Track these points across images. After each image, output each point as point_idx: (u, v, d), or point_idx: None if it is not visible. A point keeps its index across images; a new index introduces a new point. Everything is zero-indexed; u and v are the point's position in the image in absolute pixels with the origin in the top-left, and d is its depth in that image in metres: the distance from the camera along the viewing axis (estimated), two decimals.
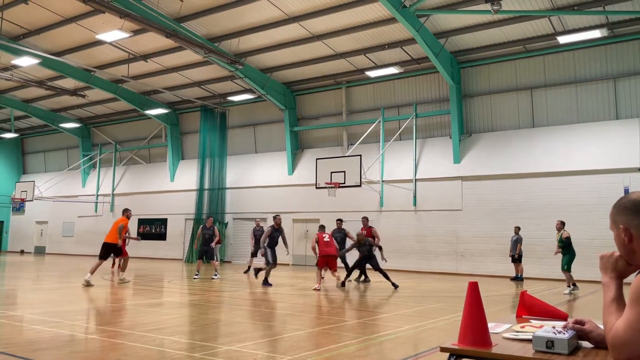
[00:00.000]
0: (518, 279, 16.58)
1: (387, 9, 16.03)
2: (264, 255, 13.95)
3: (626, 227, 1.85)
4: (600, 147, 17.37)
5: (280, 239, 13.83)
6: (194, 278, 15.07)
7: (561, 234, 13.24)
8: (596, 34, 16.11)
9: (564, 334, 1.97)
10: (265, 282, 13.37)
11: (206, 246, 15.35)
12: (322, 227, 14.31)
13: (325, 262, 12.80)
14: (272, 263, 13.55)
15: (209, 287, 13.02)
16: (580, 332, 2.04)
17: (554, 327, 2.05)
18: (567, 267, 13.16)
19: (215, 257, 15.90)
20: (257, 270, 15.42)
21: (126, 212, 13.63)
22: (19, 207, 34.50)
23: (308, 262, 22.93)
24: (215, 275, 15.31)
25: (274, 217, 14.13)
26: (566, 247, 13.15)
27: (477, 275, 17.68)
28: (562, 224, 13.51)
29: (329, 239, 13.03)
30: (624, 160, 16.76)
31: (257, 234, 17.04)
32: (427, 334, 7.20)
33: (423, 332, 7.33)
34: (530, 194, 18.23)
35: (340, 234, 15.36)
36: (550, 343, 1.94)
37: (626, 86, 17.55)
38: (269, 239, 13.67)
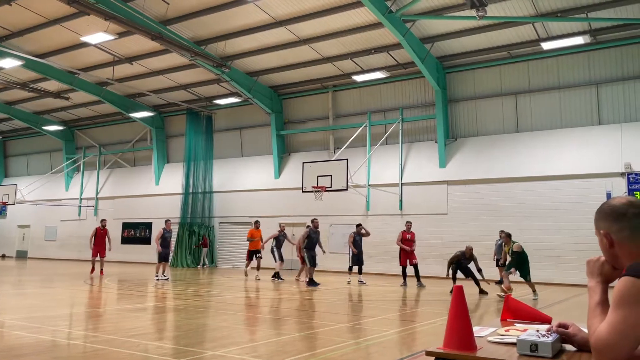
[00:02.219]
0: (503, 282, 16.65)
1: (373, 14, 16.10)
2: (302, 257, 14.53)
3: (606, 232, 1.88)
4: (583, 151, 17.61)
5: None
6: (156, 279, 15.26)
7: (511, 247, 12.55)
8: (579, 40, 16.36)
9: (548, 337, 1.98)
10: (312, 283, 13.99)
11: (167, 248, 16.03)
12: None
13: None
14: (313, 265, 14.09)
15: (194, 291, 12.92)
16: (564, 336, 2.05)
17: (538, 331, 2.06)
18: (529, 277, 12.64)
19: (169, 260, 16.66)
20: (276, 274, 16.47)
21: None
22: (0, 210, 33.95)
23: (294, 265, 22.86)
24: (159, 277, 15.42)
25: (312, 220, 15.32)
26: (521, 262, 12.41)
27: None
28: (508, 236, 12.86)
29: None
30: (607, 165, 17.00)
31: (282, 238, 17.29)
32: (412, 338, 7.22)
33: (408, 336, 7.34)
34: (515, 198, 18.40)
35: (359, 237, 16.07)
36: (534, 346, 1.96)
37: (608, 92, 17.83)
38: (307, 240, 14.25)
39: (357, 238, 15.82)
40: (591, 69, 18.05)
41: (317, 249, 15.23)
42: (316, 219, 15.40)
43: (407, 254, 15.31)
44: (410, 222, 16.20)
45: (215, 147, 26.16)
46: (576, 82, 18.29)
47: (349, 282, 15.67)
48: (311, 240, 14.59)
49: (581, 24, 16.77)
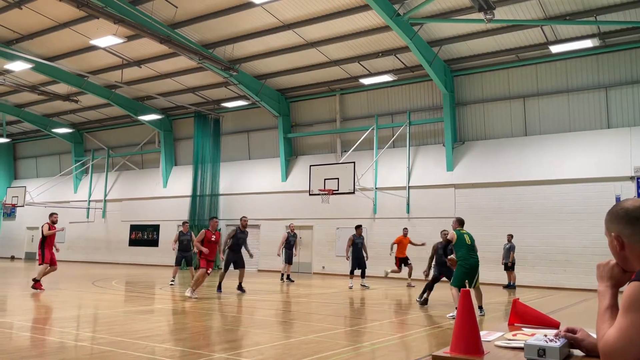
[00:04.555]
0: (510, 286, 16.61)
1: (381, 17, 16.11)
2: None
3: (618, 234, 1.87)
4: (592, 155, 17.49)
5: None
6: (171, 284, 14.88)
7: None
8: (588, 43, 16.27)
9: (556, 342, 1.97)
10: (219, 289, 12.94)
11: (185, 252, 15.25)
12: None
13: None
14: (225, 270, 13.03)
15: (202, 294, 12.93)
16: (572, 341, 2.04)
17: (545, 335, 2.05)
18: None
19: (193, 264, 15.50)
20: (287, 276, 16.59)
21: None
22: (9, 212, 34.18)
23: (301, 269, 22.88)
24: (173, 282, 15.01)
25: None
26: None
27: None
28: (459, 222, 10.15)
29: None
30: (616, 169, 16.87)
31: (292, 239, 17.16)
32: (419, 342, 7.19)
33: (415, 340, 7.32)
34: (523, 202, 18.31)
35: (360, 240, 15.72)
36: (541, 351, 1.94)
37: (617, 95, 17.71)
38: (231, 240, 13.01)
39: (358, 241, 15.37)
40: (600, 72, 17.94)
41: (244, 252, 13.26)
42: (245, 217, 13.41)
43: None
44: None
45: (223, 150, 26.24)
46: (585, 86, 18.19)
47: (351, 287, 15.26)
48: (236, 241, 12.90)
49: (590, 27, 16.69)
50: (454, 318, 9.35)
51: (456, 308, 9.59)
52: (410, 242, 16.10)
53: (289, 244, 17.16)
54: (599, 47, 17.28)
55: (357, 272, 15.56)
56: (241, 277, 13.08)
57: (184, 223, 16.16)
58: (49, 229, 12.48)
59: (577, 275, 16.70)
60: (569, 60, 18.35)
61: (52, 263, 12.51)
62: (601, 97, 17.97)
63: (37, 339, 6.36)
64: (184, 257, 15.25)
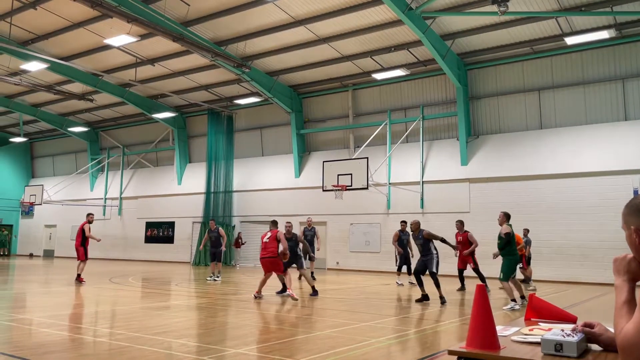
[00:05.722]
0: (527, 281, 16.46)
1: (393, 11, 16.02)
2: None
3: (637, 228, 1.85)
4: (608, 148, 17.26)
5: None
6: (208, 280, 15.21)
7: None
8: (604, 34, 16.03)
9: (573, 336, 1.96)
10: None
11: (214, 248, 15.43)
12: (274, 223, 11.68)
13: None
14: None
15: (214, 289, 13.03)
16: (590, 335, 2.02)
17: (562, 330, 2.04)
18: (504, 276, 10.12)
19: (221, 260, 15.83)
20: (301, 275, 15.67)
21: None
22: (27, 210, 34.73)
23: (315, 264, 22.89)
24: (215, 277, 15.29)
25: (402, 222, 14.95)
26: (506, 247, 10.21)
27: (485, 278, 17.60)
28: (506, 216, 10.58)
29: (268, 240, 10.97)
30: (633, 162, 16.62)
31: (308, 234, 16.59)
32: (434, 337, 7.17)
33: (431, 335, 7.30)
34: (538, 196, 18.13)
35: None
36: (559, 346, 1.93)
37: (635, 87, 17.43)
38: (398, 242, 14.51)
39: (403, 237, 14.78)
40: (617, 63, 17.67)
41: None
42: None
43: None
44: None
45: (236, 147, 26.35)
46: (601, 77, 17.94)
47: (399, 284, 14.82)
48: (401, 242, 14.72)
49: (606, 18, 16.43)
50: (512, 310, 9.43)
51: (512, 300, 9.74)
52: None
53: (306, 239, 16.61)
54: (616, 38, 17.01)
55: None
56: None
57: (210, 220, 16.83)
58: (89, 230, 14.28)
59: (594, 269, 16.51)
60: (585, 51, 18.09)
61: (85, 258, 14.27)
62: (618, 88, 17.71)
63: (56, 335, 6.47)
64: (216, 252, 15.48)
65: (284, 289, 11.40)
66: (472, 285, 14.92)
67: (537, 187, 18.24)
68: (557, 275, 17.16)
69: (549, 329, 2.21)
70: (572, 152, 17.86)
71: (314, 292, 11.44)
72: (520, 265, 13.69)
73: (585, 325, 2.06)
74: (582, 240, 17.08)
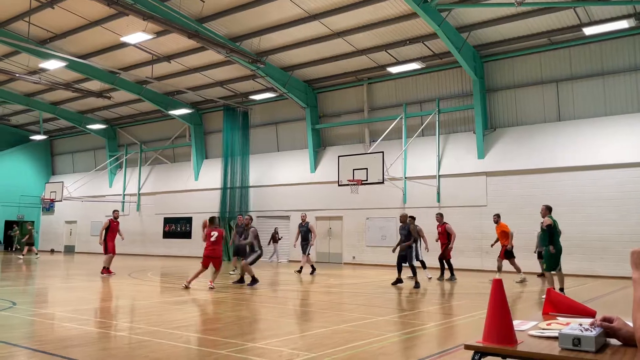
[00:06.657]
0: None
1: (408, 4, 15.89)
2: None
3: None
4: (628, 140, 16.97)
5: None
6: (231, 274, 15.52)
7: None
8: (623, 24, 15.73)
9: (591, 331, 1.94)
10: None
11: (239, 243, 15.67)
12: (212, 220, 12.80)
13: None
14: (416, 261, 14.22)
15: (233, 284, 13.14)
16: (608, 330, 2.01)
17: (580, 325, 2.02)
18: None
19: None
20: (313, 269, 16.63)
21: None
22: (48, 207, 35.33)
23: (332, 259, 22.97)
24: (234, 271, 15.66)
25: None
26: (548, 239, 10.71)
27: (502, 272, 17.48)
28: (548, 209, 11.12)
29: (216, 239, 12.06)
30: None
31: (302, 230, 16.64)
32: (451, 331, 7.16)
33: (447, 330, 7.29)
34: (557, 189, 17.91)
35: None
36: (577, 341, 1.92)
37: None
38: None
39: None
40: (637, 53, 17.35)
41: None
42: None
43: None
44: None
45: (252, 142, 26.45)
46: (621, 68, 17.62)
47: (430, 278, 14.85)
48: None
49: (625, 7, 16.12)
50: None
51: (561, 289, 9.83)
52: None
53: (302, 234, 16.59)
54: (635, 28, 16.69)
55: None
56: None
57: (238, 216, 17.49)
58: (111, 224, 15.11)
59: (614, 263, 16.29)
60: (604, 42, 17.79)
61: (113, 251, 15.14)
62: (638, 79, 17.38)
63: (78, 329, 6.58)
64: (239, 248, 15.63)
65: (242, 279, 13.02)
66: (465, 278, 14.82)
67: (556, 180, 18.02)
68: (576, 269, 16.96)
69: (567, 324, 2.20)
70: (591, 144, 17.60)
71: (253, 281, 12.45)
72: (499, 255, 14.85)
73: (604, 319, 2.04)
74: (602, 233, 16.85)
